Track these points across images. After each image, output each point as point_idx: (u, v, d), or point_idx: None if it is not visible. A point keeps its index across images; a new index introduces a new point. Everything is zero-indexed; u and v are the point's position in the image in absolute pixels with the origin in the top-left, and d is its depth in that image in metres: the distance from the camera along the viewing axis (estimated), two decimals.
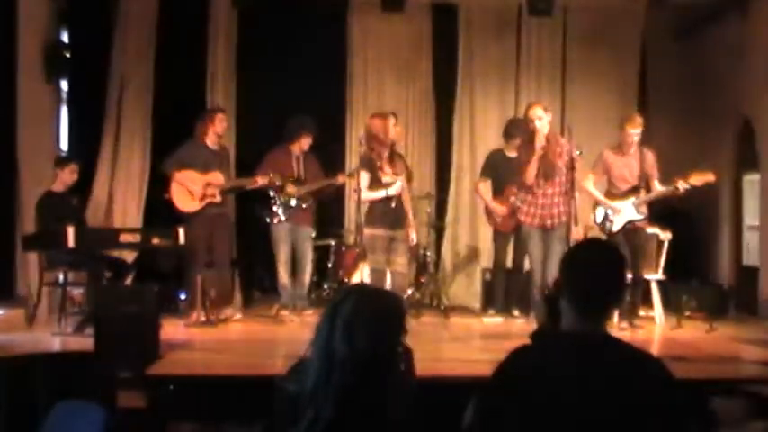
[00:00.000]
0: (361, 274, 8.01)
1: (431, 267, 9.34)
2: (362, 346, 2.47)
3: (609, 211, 7.84)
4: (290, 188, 8.29)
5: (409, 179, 7.76)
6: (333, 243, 9.21)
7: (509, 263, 8.85)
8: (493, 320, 8.49)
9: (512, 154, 8.43)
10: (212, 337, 7.09)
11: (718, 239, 10.01)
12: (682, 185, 7.45)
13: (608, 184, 7.94)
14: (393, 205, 7.01)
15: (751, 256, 9.48)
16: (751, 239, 9.53)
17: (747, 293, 9.12)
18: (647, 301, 8.30)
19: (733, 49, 9.58)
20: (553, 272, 6.96)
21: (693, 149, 9.76)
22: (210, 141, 8.12)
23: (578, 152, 6.95)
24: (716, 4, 9.55)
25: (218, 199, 8.05)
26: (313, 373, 2.50)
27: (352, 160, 9.36)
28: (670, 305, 8.52)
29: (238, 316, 8.28)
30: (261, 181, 8.14)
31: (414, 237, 7.30)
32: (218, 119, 8.11)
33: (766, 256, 9.01)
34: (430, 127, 10.06)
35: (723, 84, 9.76)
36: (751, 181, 9.50)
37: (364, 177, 7.01)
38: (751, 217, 9.53)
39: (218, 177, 8.06)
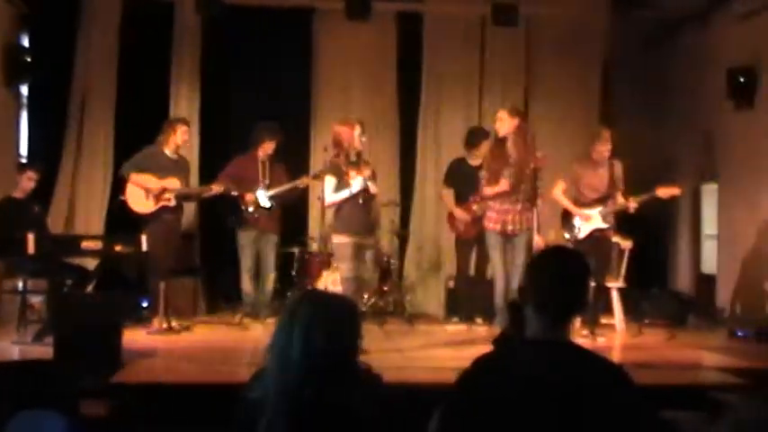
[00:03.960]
0: (325, 282, 7.98)
1: (394, 275, 9.34)
2: (319, 350, 2.47)
3: (576, 219, 7.90)
4: (250, 196, 8.27)
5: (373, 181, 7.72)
6: (297, 250, 9.18)
7: (472, 270, 8.89)
8: (456, 328, 8.51)
9: (474, 162, 8.48)
10: (175, 345, 7.03)
11: (678, 248, 10.13)
12: (632, 204, 7.59)
13: (576, 192, 7.99)
14: (361, 211, 6.98)
15: (709, 265, 9.61)
16: (709, 248, 9.66)
17: (706, 301, 9.23)
18: (609, 309, 8.38)
19: (693, 61, 9.72)
20: (516, 279, 7.02)
21: (655, 160, 9.87)
22: (170, 150, 8.09)
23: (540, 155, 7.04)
24: (676, 16, 9.68)
25: (172, 203, 8.00)
26: (271, 379, 2.49)
27: (316, 166, 9.32)
28: (630, 313, 8.61)
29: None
30: (216, 189, 8.11)
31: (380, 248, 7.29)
32: (180, 130, 8.08)
33: (724, 265, 9.15)
34: (394, 134, 10.05)
35: (684, 95, 9.88)
36: (709, 190, 9.63)
37: (330, 182, 6.98)
38: (709, 226, 9.67)
39: (174, 183, 8.04)
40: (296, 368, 2.47)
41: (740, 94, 8.59)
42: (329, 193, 6.99)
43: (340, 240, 6.85)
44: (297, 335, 2.50)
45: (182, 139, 8.12)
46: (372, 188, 6.99)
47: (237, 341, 7.53)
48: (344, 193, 6.91)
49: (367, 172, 7.01)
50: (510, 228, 7.17)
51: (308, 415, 2.44)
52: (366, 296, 8.30)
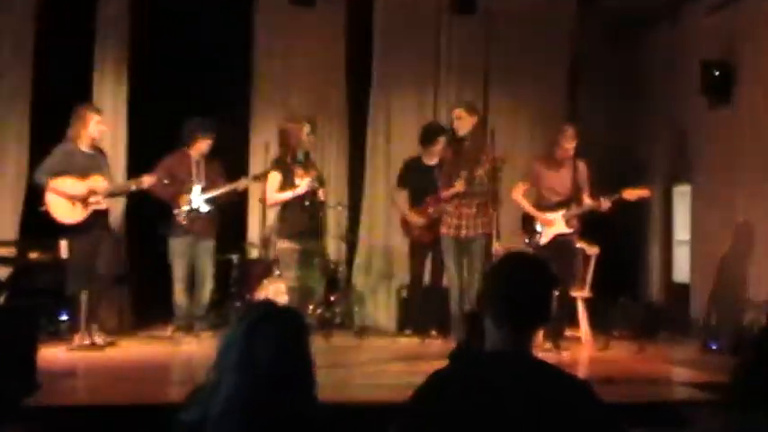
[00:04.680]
0: (267, 292, 7.94)
1: (342, 284, 9.33)
2: (268, 365, 2.47)
3: (537, 224, 7.96)
4: (183, 198, 8.18)
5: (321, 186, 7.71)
6: (235, 257, 9.12)
7: (427, 279, 8.91)
8: (409, 341, 8.53)
9: (430, 161, 8.51)
10: (99, 363, 6.95)
11: (648, 254, 10.26)
12: (604, 202, 7.64)
13: (537, 195, 8.06)
14: (307, 215, 6.96)
15: (681, 273, 9.74)
16: (681, 255, 9.80)
17: (678, 312, 9.34)
18: (574, 321, 8.46)
19: (665, 55, 9.86)
20: (473, 287, 7.07)
21: (624, 160, 10.00)
22: (85, 145, 7.81)
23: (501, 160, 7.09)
24: (647, 10, 9.80)
25: (103, 205, 7.83)
26: (218, 396, 2.48)
27: (255, 165, 9.28)
28: (597, 324, 8.70)
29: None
30: (148, 181, 7.92)
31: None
32: (91, 120, 7.78)
33: (697, 273, 9.27)
34: (342, 130, 10.08)
35: (656, 92, 10.03)
36: (682, 192, 9.77)
37: (275, 178, 6.96)
38: (681, 231, 9.80)
39: (99, 181, 7.79)
40: (244, 386, 2.46)
41: (715, 90, 8.70)
42: (272, 191, 6.96)
43: (284, 246, 6.84)
44: (245, 350, 2.50)
45: (96, 131, 7.84)
46: (320, 194, 7.00)
47: (169, 358, 7.49)
48: (288, 194, 6.88)
49: (315, 174, 7.02)
50: (464, 232, 7.24)
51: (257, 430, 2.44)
52: (312, 307, 8.30)
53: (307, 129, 7.02)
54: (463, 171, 7.26)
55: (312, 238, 6.97)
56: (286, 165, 6.98)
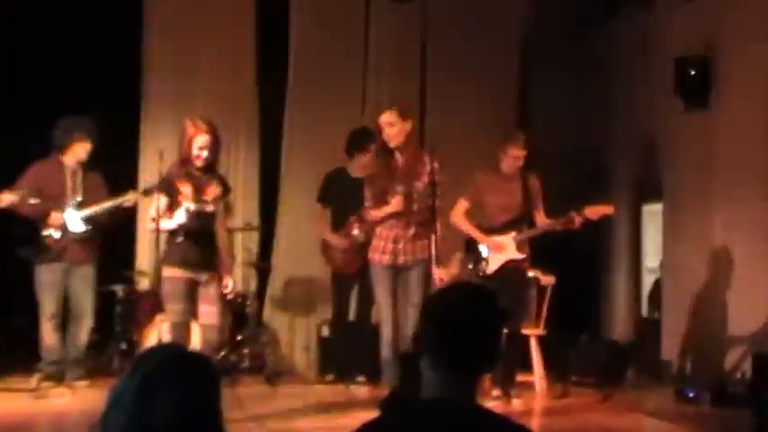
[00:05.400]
0: (160, 331, 7.86)
1: (251, 321, 9.29)
2: (171, 420, 2.44)
3: (483, 248, 7.99)
4: (55, 217, 8.05)
5: (227, 207, 7.68)
6: (121, 289, 9.02)
7: (352, 314, 8.93)
8: (331, 388, 8.53)
9: (356, 174, 8.52)
10: None
11: (613, 285, 10.38)
12: (577, 218, 7.68)
13: (482, 214, 8.09)
14: (201, 237, 6.92)
15: (652, 306, 9.84)
16: (652, 285, 9.93)
17: (648, 352, 9.44)
18: (526, 363, 8.52)
19: (634, 50, 9.98)
20: (409, 324, 7.06)
21: (584, 172, 10.12)
22: None
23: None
24: None
25: None
26: None
27: (146, 177, 9.21)
28: (554, 368, 8.77)
29: None
30: (8, 199, 7.82)
31: (230, 283, 7.22)
32: None
33: (670, 307, 9.36)
34: (253, 138, 10.15)
35: (622, 93, 10.17)
36: (652, 212, 9.90)
37: (160, 202, 6.89)
38: (652, 257, 9.94)
39: None
40: None
41: (691, 91, 8.80)
42: (152, 214, 6.91)
43: (168, 274, 6.80)
44: (139, 409, 2.46)
45: None
46: (208, 207, 6.93)
47: (34, 414, 7.35)
48: (169, 224, 6.83)
49: (214, 191, 6.97)
50: (402, 259, 7.24)
51: None
52: (224, 351, 8.25)
53: (204, 139, 6.92)
54: (399, 186, 7.26)
55: (202, 264, 6.91)
56: (172, 182, 6.91)
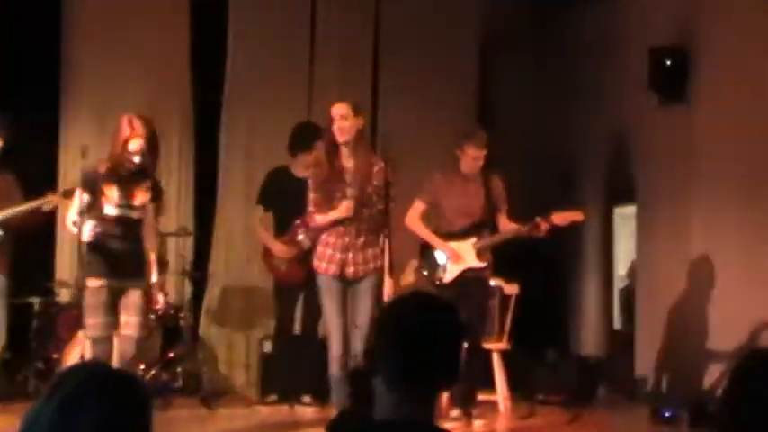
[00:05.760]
0: (84, 349, 7.79)
1: (186, 335, 9.24)
2: None
3: (440, 255, 8.01)
4: None
5: (159, 210, 7.61)
6: (38, 301, 8.93)
7: (298, 328, 8.91)
8: (275, 410, 8.52)
9: (302, 173, 8.48)
10: None
11: (583, 295, 10.43)
12: (544, 225, 7.73)
13: (440, 217, 8.11)
14: (123, 242, 6.89)
15: (625, 318, 9.90)
16: (625, 295, 9.98)
17: (621, 368, 9.47)
18: (488, 380, 8.53)
19: (604, 40, 10.01)
20: (360, 339, 7.06)
21: (551, 173, 10.15)
22: None
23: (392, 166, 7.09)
24: None
25: None
26: None
27: (68, 177, 9.13)
28: (518, 385, 8.79)
29: None
30: None
31: (160, 297, 7.17)
32: None
33: (644, 319, 9.42)
34: (187, 135, 10.06)
35: (591, 86, 10.20)
36: (624, 215, 9.95)
37: (80, 198, 6.83)
38: (624, 264, 10.00)
39: None
40: None
41: (667, 84, 8.84)
42: (70, 217, 6.87)
43: (90, 285, 6.77)
44: (63, 428, 2.43)
45: None
46: (134, 213, 6.90)
47: None
48: (86, 229, 6.78)
49: (143, 196, 6.93)
50: (351, 270, 7.20)
51: None
52: (142, 366, 8.19)
53: (138, 144, 6.87)
54: (350, 188, 7.23)
55: (127, 272, 6.88)
56: (96, 180, 6.87)
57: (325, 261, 7.25)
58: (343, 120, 7.22)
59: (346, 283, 7.24)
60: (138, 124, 6.87)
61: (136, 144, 6.83)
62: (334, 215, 7.24)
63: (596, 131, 10.19)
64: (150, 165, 7.02)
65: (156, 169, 7.23)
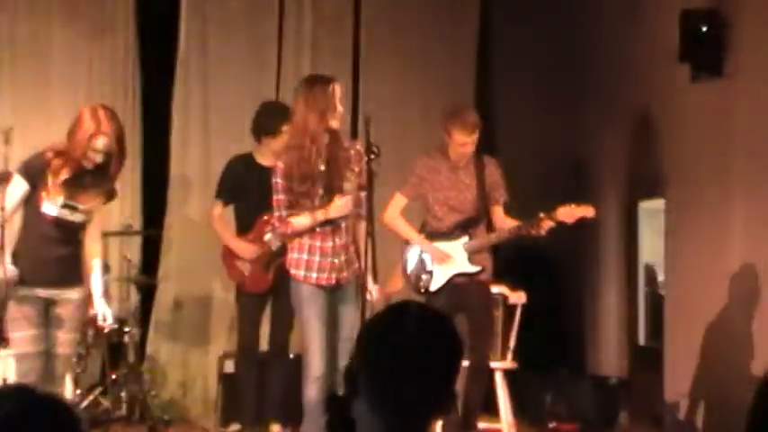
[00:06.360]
0: (4, 368, 7.76)
1: (131, 354, 9.19)
2: None
3: (426, 257, 7.98)
4: None
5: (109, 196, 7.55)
6: None
7: (264, 343, 8.87)
8: None
9: (268, 161, 8.43)
10: None
11: (601, 305, 10.38)
12: (546, 221, 7.71)
13: (426, 212, 8.11)
14: (58, 245, 6.86)
15: (651, 333, 9.86)
16: (652, 306, 9.94)
17: (646, 391, 9.45)
18: (491, 404, 8.54)
19: (624, 4, 10.00)
20: (344, 356, 7.05)
21: (562, 161, 10.13)
22: None
23: (374, 152, 7.04)
24: None
25: None
26: None
27: None
28: (526, 410, 8.79)
29: None
30: None
31: (107, 314, 7.14)
32: None
33: (674, 333, 9.31)
34: (132, 118, 9.99)
35: (610, 58, 10.15)
36: (650, 210, 9.92)
37: (18, 185, 6.82)
38: (650, 268, 9.97)
39: None
40: None
41: (701, 54, 8.78)
42: (10, 203, 6.83)
43: (17, 293, 6.76)
44: None
45: None
46: (76, 216, 6.88)
47: None
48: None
49: (91, 200, 6.93)
50: (335, 275, 7.18)
51: None
52: (79, 391, 8.15)
53: (103, 139, 6.84)
54: (347, 182, 7.18)
55: (61, 279, 6.88)
56: (44, 169, 6.84)
57: (315, 270, 7.18)
58: (341, 103, 7.19)
59: (328, 291, 7.21)
60: (103, 118, 6.84)
61: (101, 142, 6.80)
62: (319, 216, 7.17)
63: (616, 111, 10.15)
64: (115, 170, 6.98)
65: (118, 176, 7.16)
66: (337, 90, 7.17)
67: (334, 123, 7.14)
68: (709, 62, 8.75)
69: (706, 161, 8.95)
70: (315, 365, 7.13)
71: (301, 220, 7.19)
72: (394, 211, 8.01)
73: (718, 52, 8.69)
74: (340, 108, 7.17)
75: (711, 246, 8.83)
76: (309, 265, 7.22)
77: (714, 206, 8.83)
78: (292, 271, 7.30)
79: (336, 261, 7.19)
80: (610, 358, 10.22)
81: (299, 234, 7.25)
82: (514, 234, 7.88)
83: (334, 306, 7.23)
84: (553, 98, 10.31)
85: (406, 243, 8.13)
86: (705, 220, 8.95)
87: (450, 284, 7.93)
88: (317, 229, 7.18)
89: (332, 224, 7.19)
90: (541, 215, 7.72)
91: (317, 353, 7.16)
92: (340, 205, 7.13)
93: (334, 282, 7.18)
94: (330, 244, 7.20)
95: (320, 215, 7.13)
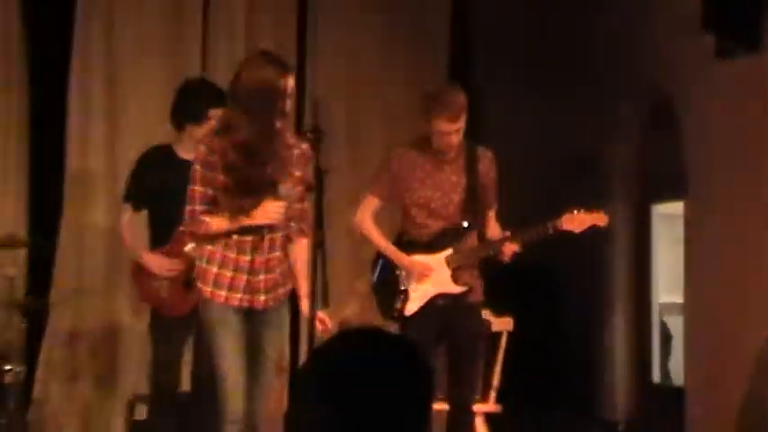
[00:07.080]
0: None
1: (13, 398, 9.05)
2: None
3: (401, 273, 7.94)
4: None
5: None
6: None
7: (186, 383, 8.82)
8: None
9: (189, 155, 8.34)
10: None
11: (608, 332, 10.38)
12: (552, 226, 7.72)
13: (403, 216, 8.06)
14: None
15: (669, 366, 9.87)
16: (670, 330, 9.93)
17: None
18: None
19: None
20: (264, 394, 7.01)
21: (564, 158, 10.08)
22: None
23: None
24: None
25: None
26: None
27: None
28: None
29: None
30: None
31: None
32: None
33: (699, 367, 9.33)
34: (16, 108, 10.09)
35: (618, 33, 10.21)
36: (667, 216, 9.92)
37: None
38: (667, 286, 9.95)
39: None
40: None
41: (730, 23, 8.78)
42: None
43: None
44: None
45: None
46: None
47: None
48: None
49: None
50: (249, 297, 7.11)
51: None
52: None
53: None
54: (282, 185, 7.11)
55: None
56: None
57: (225, 287, 7.12)
58: (293, 90, 7.20)
59: (251, 315, 7.14)
60: None
61: None
62: (243, 220, 7.09)
63: (627, 94, 10.13)
64: None
65: None
66: (289, 85, 7.10)
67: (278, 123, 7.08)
68: (740, 32, 8.73)
69: (735, 156, 8.92)
70: (231, 406, 7.09)
71: (218, 221, 7.12)
72: (364, 215, 7.97)
73: (752, 21, 8.65)
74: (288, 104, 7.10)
75: (741, 259, 8.81)
76: (219, 280, 7.16)
77: (745, 211, 8.81)
78: (199, 284, 7.23)
79: (253, 280, 7.12)
80: (618, 398, 10.26)
81: (213, 238, 7.16)
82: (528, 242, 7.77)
83: (256, 330, 7.18)
84: (553, 81, 10.27)
85: (377, 255, 8.06)
86: (734, 227, 8.94)
87: (430, 308, 7.84)
88: (234, 237, 7.09)
89: (253, 234, 7.10)
90: (549, 224, 7.74)
91: (233, 390, 7.11)
92: (269, 210, 7.04)
93: (246, 305, 7.12)
94: (248, 258, 7.13)
95: (243, 218, 7.05)
